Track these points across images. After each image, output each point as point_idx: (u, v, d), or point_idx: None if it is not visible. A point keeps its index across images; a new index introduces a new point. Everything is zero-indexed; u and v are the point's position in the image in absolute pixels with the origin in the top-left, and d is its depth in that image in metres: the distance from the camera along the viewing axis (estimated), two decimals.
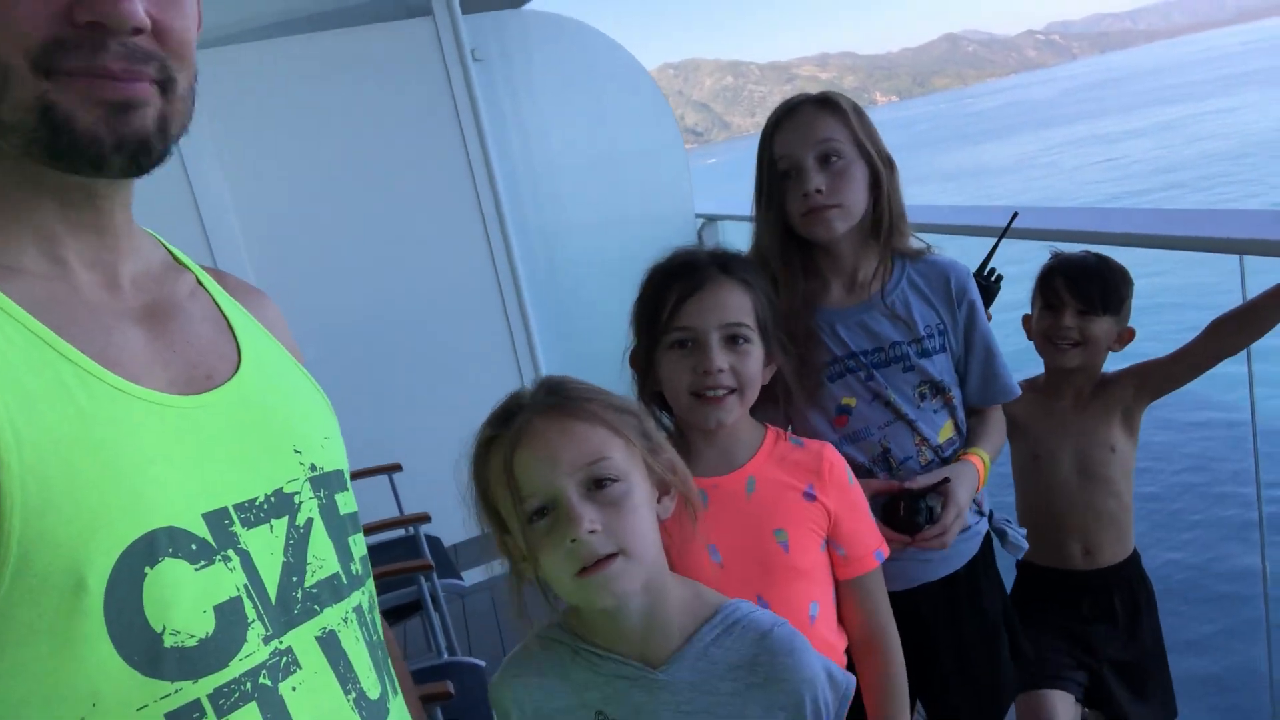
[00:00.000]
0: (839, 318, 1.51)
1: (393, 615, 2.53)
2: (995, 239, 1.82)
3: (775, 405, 1.42)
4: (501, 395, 1.04)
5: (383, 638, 0.86)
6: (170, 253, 0.83)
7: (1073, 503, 1.95)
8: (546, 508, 0.95)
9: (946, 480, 1.43)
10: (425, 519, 2.87)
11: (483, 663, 2.39)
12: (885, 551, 1.35)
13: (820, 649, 1.29)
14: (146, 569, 0.60)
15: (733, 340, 1.25)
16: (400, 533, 3.05)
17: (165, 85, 0.67)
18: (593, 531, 0.93)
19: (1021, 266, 2.00)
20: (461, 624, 3.52)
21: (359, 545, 0.85)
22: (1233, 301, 1.79)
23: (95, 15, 0.61)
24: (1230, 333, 1.76)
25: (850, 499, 1.33)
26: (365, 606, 0.82)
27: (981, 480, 1.51)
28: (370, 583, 0.86)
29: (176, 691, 0.61)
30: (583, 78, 3.78)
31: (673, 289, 1.25)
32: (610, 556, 0.93)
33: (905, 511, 1.41)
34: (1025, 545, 1.61)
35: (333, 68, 3.35)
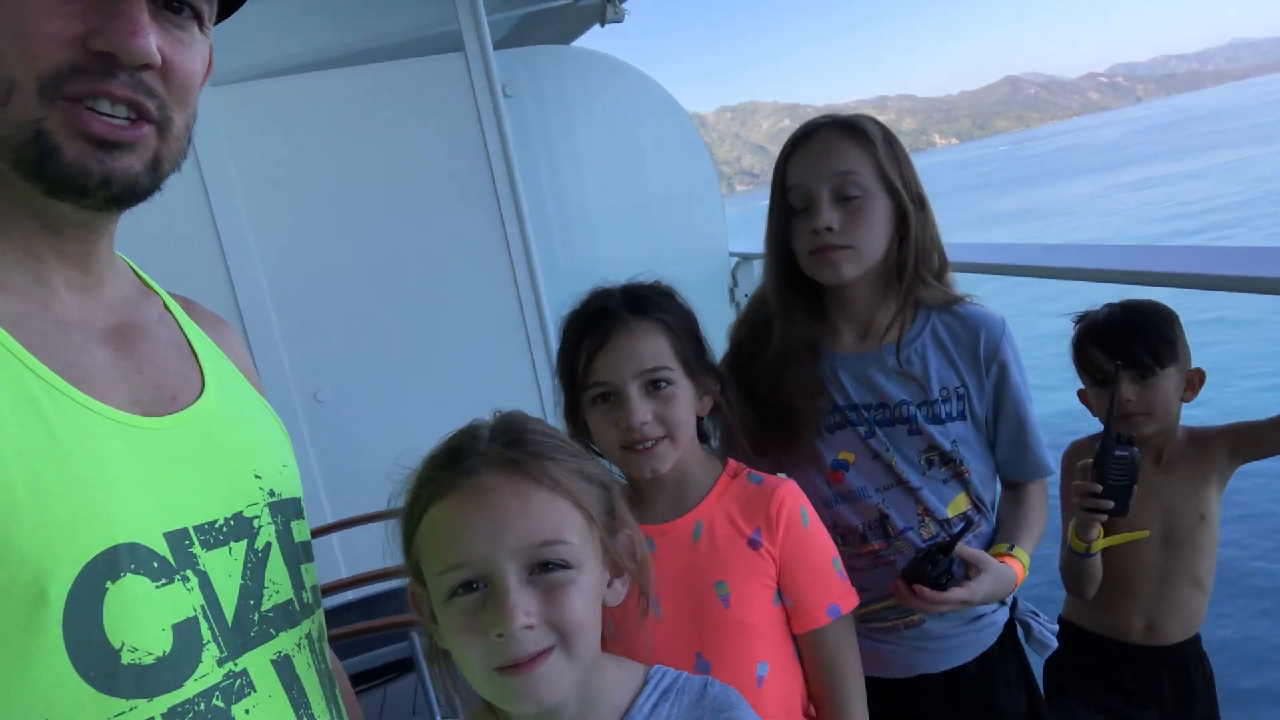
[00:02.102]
0: (844, 364, 1.38)
1: (384, 673, 2.40)
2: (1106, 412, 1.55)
3: (763, 456, 1.31)
4: None
5: (331, 668, 0.85)
6: (139, 277, 0.83)
7: (1148, 573, 1.73)
8: (476, 583, 0.81)
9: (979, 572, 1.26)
10: None
11: None
12: (843, 608, 1.20)
13: (772, 713, 1.15)
14: (108, 583, 0.60)
15: (654, 385, 1.17)
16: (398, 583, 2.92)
17: (162, 125, 0.68)
18: (528, 627, 0.78)
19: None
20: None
21: (310, 574, 0.85)
22: None
23: (109, 47, 0.63)
24: None
25: (799, 544, 1.19)
26: (315, 635, 0.82)
27: (1016, 586, 1.33)
28: (320, 613, 0.86)
29: (131, 709, 0.60)
30: (616, 115, 3.75)
31: (583, 343, 1.18)
32: (543, 652, 0.79)
33: (929, 561, 1.25)
34: (1054, 643, 1.45)
35: (362, 102, 3.35)
